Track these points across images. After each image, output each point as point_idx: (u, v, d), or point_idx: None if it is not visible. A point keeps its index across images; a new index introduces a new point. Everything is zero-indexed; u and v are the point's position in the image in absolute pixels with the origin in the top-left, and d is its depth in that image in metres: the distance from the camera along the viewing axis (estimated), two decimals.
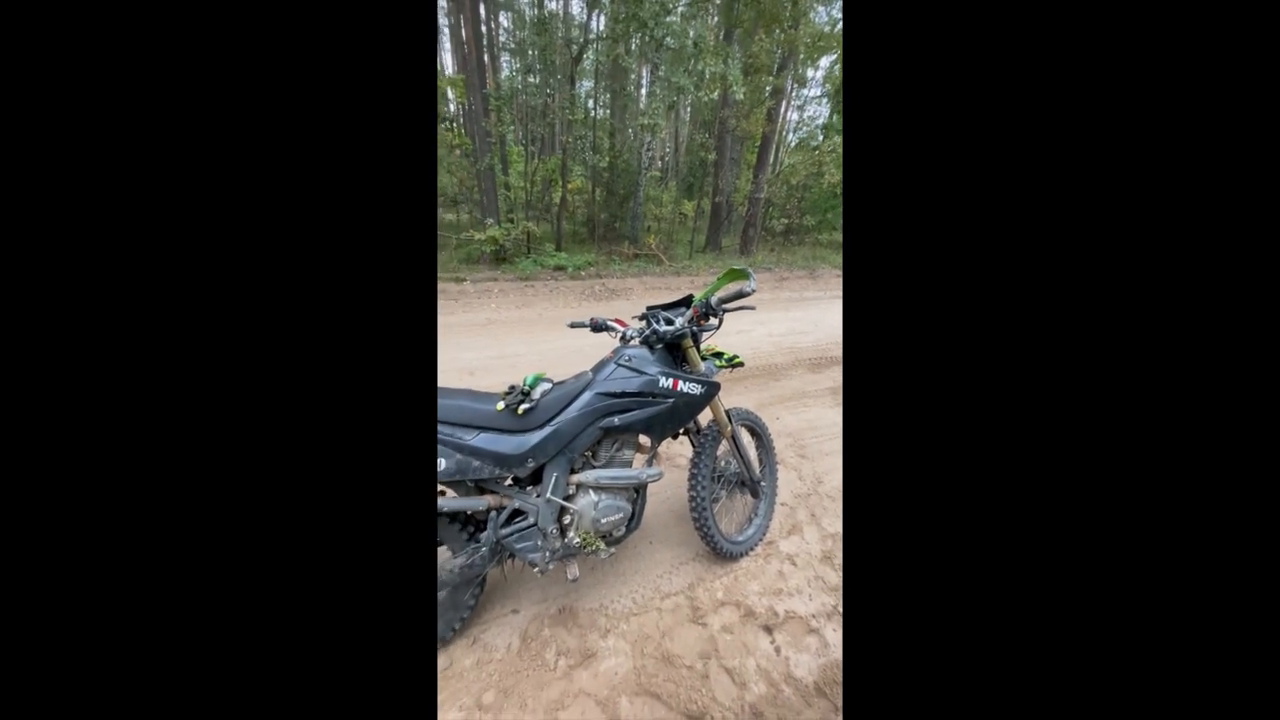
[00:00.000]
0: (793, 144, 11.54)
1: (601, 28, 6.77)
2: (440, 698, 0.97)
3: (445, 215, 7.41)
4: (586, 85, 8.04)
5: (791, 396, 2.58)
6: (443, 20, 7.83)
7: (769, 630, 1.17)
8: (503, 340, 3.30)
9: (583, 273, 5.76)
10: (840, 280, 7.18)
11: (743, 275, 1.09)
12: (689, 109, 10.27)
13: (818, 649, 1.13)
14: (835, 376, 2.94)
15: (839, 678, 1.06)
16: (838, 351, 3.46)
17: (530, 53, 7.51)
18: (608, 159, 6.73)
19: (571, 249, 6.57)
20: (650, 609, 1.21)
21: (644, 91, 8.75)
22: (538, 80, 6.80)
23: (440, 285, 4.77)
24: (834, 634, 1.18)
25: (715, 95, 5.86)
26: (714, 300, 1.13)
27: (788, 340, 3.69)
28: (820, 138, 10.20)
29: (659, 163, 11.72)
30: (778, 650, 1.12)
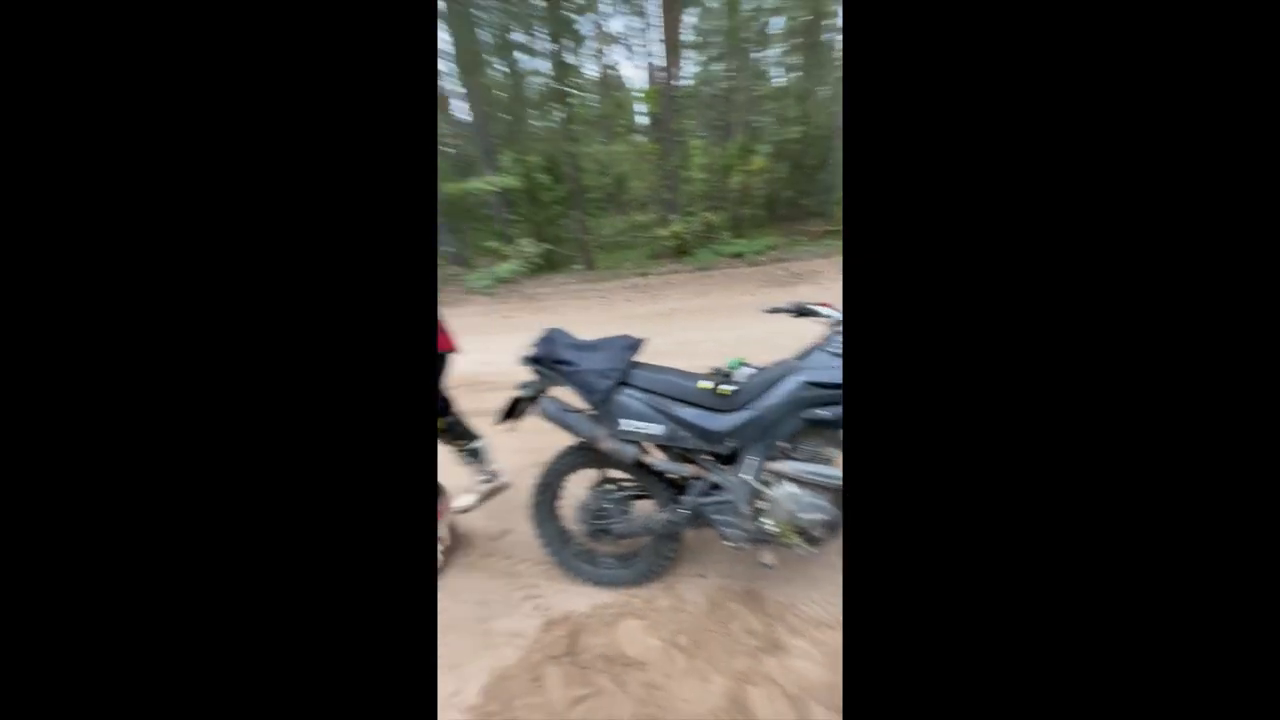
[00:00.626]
0: None
1: None
2: (643, 624, 1.16)
3: (636, 217, 8.42)
4: (775, 53, 7.41)
5: None
6: (635, 39, 8.72)
7: None
8: (684, 327, 3.54)
9: (761, 258, 5.48)
10: None
11: None
12: None
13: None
14: None
15: None
16: None
17: (715, 40, 7.48)
18: (797, 129, 6.07)
19: (750, 233, 6.34)
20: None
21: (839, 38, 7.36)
22: (723, 66, 6.73)
23: (631, 281, 5.49)
24: None
25: None
26: None
27: None
28: None
29: None
30: None
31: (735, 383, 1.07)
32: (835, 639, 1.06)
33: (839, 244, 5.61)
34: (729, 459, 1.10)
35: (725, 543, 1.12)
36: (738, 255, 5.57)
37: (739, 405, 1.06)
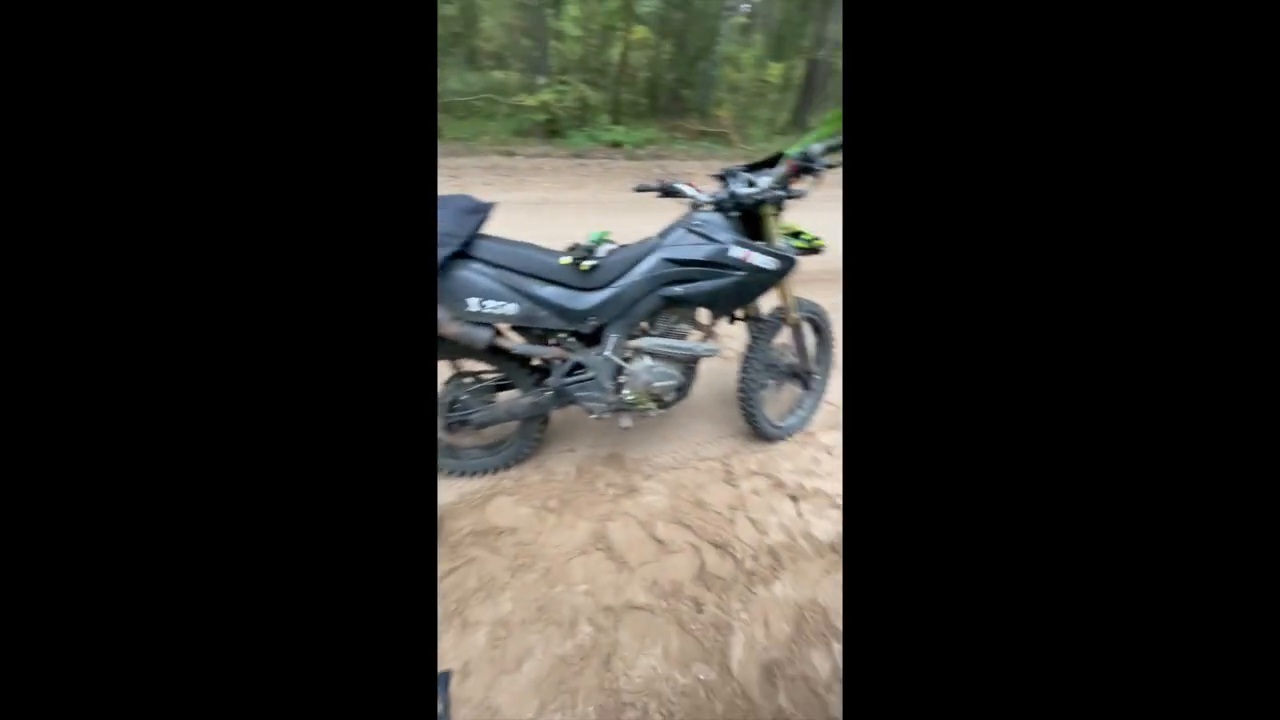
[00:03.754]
0: None
1: None
2: (514, 499, 1.21)
3: (493, 74, 6.61)
4: None
5: None
6: None
7: (795, 499, 1.29)
8: (558, 222, 3.20)
9: (640, 152, 5.14)
10: None
11: None
12: None
13: (838, 519, 1.24)
14: None
15: None
16: None
17: None
18: None
19: (630, 122, 5.77)
20: (688, 466, 1.35)
21: None
22: None
23: (490, 159, 4.53)
24: None
25: None
26: (816, 149, 0.94)
27: None
28: None
29: (745, 4, 9.12)
30: (800, 514, 1.25)
31: (597, 259, 1.01)
32: (677, 475, 1.32)
33: (713, 146, 5.66)
34: (591, 337, 1.11)
35: (590, 415, 1.19)
36: (617, 144, 5.08)
37: (602, 283, 1.03)
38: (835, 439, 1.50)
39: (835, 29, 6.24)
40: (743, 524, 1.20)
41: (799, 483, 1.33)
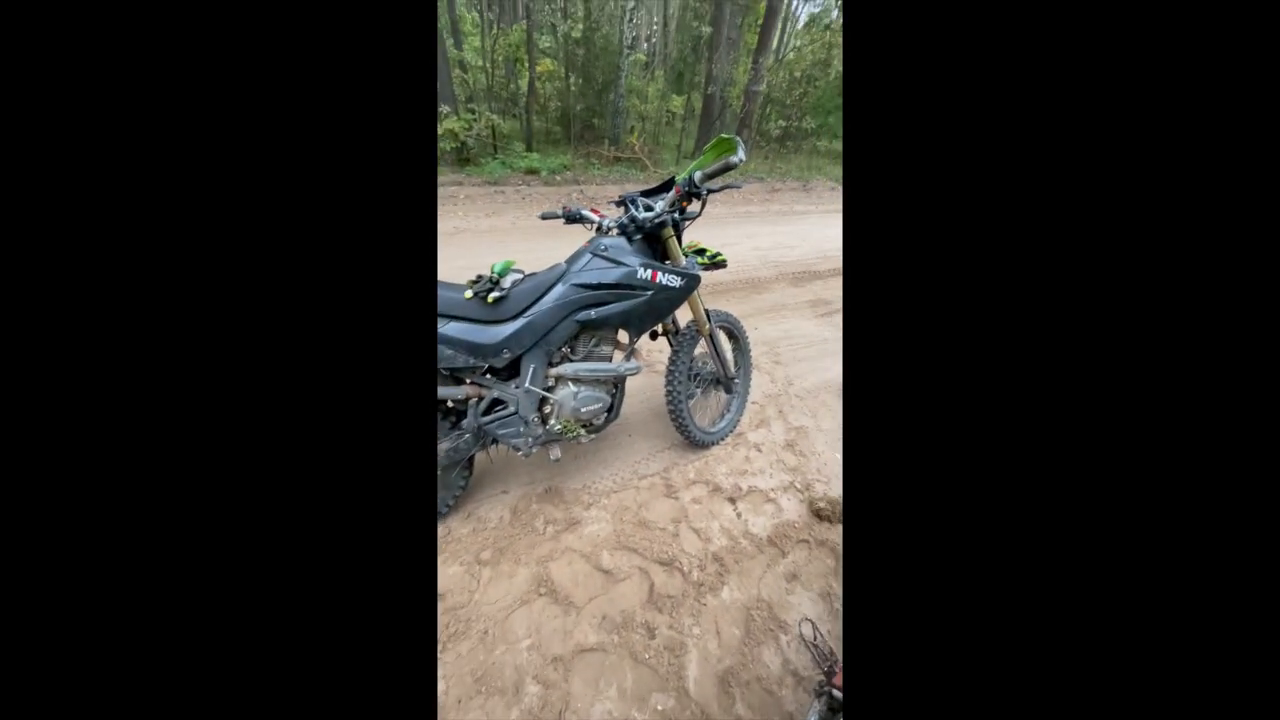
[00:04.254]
0: (801, 20, 9.83)
1: None
2: (441, 559, 1.09)
3: None
4: None
5: (771, 309, 2.60)
6: None
7: (733, 501, 1.33)
8: (474, 251, 3.08)
9: (557, 177, 5.20)
10: (835, 194, 6.79)
11: (729, 146, 0.98)
12: None
13: (772, 513, 1.31)
14: (815, 291, 2.95)
15: (788, 534, 1.25)
16: (821, 266, 3.42)
17: None
18: (581, 28, 5.59)
19: (545, 149, 5.83)
20: (629, 487, 1.34)
21: None
22: None
23: None
24: (787, 502, 1.35)
25: None
26: (698, 176, 1.03)
27: (773, 254, 3.59)
28: (835, 14, 8.61)
29: (644, 44, 9.89)
30: (739, 515, 1.29)
31: (504, 289, 0.99)
32: (619, 499, 1.30)
33: (628, 171, 5.93)
34: (507, 370, 1.06)
35: (517, 453, 1.13)
36: (532, 171, 5.08)
37: (512, 314, 1.00)
38: (762, 436, 1.60)
39: (724, 68, 7.02)
40: (687, 535, 1.21)
41: (735, 484, 1.39)
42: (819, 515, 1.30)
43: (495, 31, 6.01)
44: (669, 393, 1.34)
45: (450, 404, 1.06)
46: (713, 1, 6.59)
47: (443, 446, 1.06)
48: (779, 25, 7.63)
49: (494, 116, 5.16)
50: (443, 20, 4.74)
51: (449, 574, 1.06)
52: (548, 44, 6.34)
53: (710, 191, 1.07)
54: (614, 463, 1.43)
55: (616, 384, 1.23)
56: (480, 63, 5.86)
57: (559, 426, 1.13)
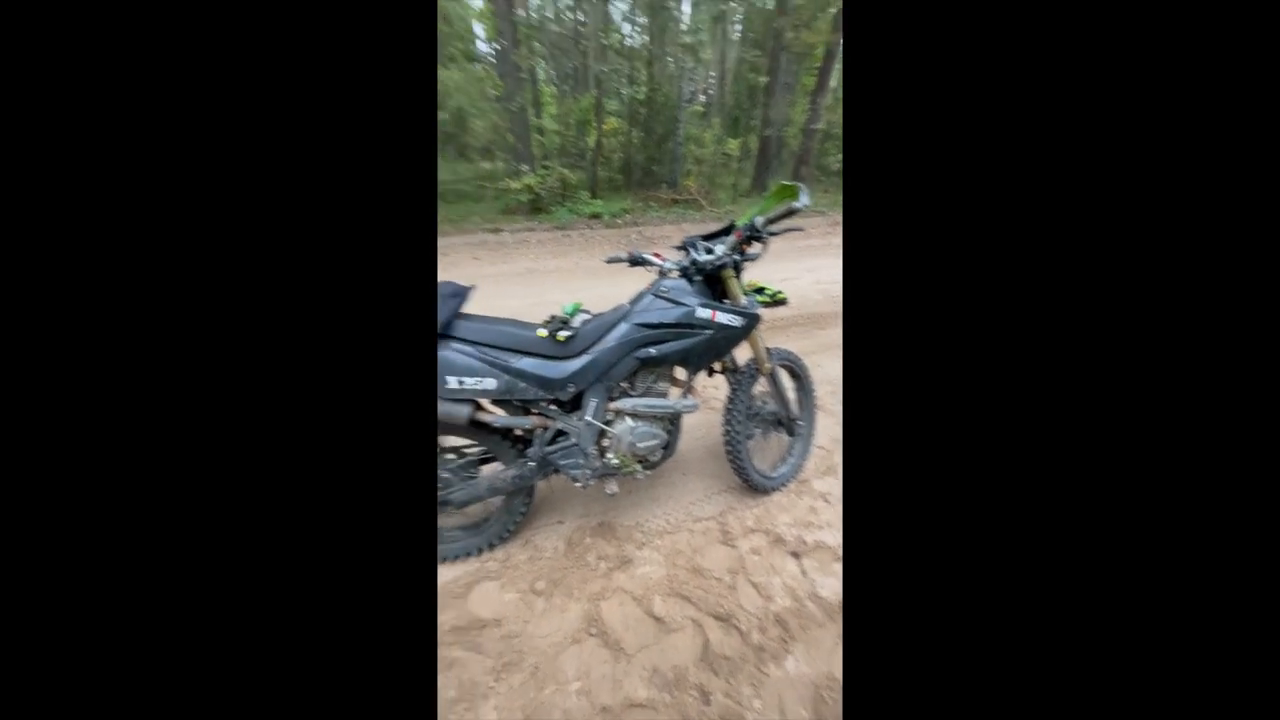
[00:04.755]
0: None
1: None
2: (500, 583, 1.13)
3: (482, 165, 7.35)
4: (623, 7, 7.20)
5: (835, 345, 2.46)
6: None
7: (797, 556, 1.22)
8: (542, 289, 3.37)
9: (618, 220, 5.58)
10: None
11: (792, 192, 1.00)
12: (740, 24, 8.95)
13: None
14: None
15: None
16: None
17: None
18: (644, 91, 6.17)
19: (607, 195, 6.34)
20: (683, 529, 1.30)
21: (687, 9, 7.71)
22: (569, 2, 6.18)
23: (480, 237, 4.86)
24: None
25: (771, 2, 5.03)
26: (759, 221, 1.05)
27: (835, 288, 3.43)
28: None
29: (701, 96, 10.59)
30: (804, 573, 1.18)
31: (573, 329, 1.07)
32: (672, 541, 1.26)
33: (685, 211, 6.19)
34: (571, 404, 1.12)
35: (575, 484, 1.16)
36: (596, 216, 5.53)
37: (578, 351, 1.07)
38: (830, 485, 1.47)
39: (780, 111, 7.22)
40: (745, 589, 1.13)
41: (799, 536, 1.28)
42: None
43: (569, 101, 6.88)
44: (726, 432, 1.30)
45: (519, 432, 1.14)
46: (769, 53, 6.94)
47: (509, 474, 1.13)
48: (836, 68, 7.74)
49: (564, 170, 5.78)
50: (526, 94, 5.57)
51: (505, 600, 1.09)
52: (615, 106, 7.08)
53: (772, 234, 1.08)
54: (667, 501, 1.40)
55: (673, 421, 1.23)
56: (555, 127, 6.69)
57: (616, 460, 1.15)
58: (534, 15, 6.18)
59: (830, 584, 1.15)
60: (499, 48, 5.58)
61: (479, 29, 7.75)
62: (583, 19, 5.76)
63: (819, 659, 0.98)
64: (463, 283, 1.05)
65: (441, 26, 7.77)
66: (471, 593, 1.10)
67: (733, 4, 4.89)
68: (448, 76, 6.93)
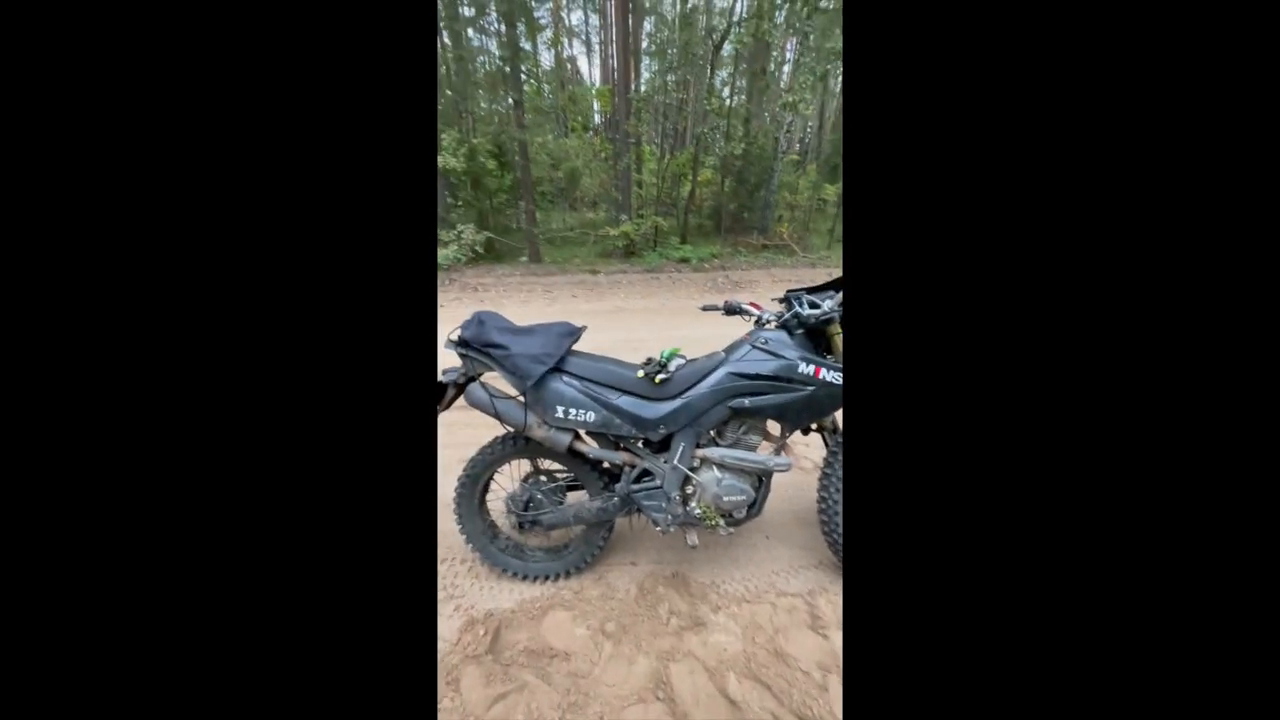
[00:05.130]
0: None
1: (745, 8, 6.50)
2: (572, 615, 1.15)
3: (587, 214, 8.34)
4: (723, 74, 7.87)
5: None
6: (595, 39, 8.67)
7: None
8: (630, 327, 3.58)
9: (706, 264, 5.75)
10: None
11: None
12: (840, 79, 9.02)
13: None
14: None
15: None
16: None
17: (670, 51, 7.72)
18: (741, 146, 6.48)
19: (696, 241, 6.62)
20: (764, 601, 1.18)
21: (787, 68, 8.06)
22: (676, 77, 6.95)
23: (579, 277, 5.42)
24: None
25: None
26: None
27: None
28: None
29: (798, 145, 10.69)
30: None
31: (669, 372, 1.11)
32: (751, 611, 1.14)
33: (775, 257, 6.11)
34: (661, 445, 1.14)
35: (655, 528, 1.15)
36: (684, 260, 5.77)
37: (672, 394, 1.11)
38: None
39: None
40: (837, 692, 0.96)
41: None
42: None
43: (668, 159, 7.58)
44: (822, 498, 1.18)
45: (608, 466, 1.19)
46: None
47: (594, 504, 1.17)
48: None
49: (657, 218, 6.25)
50: (631, 155, 6.31)
51: (576, 635, 1.10)
52: (712, 161, 7.56)
53: None
54: (748, 565, 1.29)
55: (762, 478, 1.17)
56: (653, 180, 7.37)
57: (699, 510, 1.12)
58: (644, 89, 7.10)
59: None
60: (612, 118, 6.46)
61: (597, 105, 9.11)
62: (686, 88, 6.42)
63: None
64: (576, 323, 1.19)
65: (569, 107, 9.34)
66: (546, 617, 1.14)
67: (836, 62, 4.97)
68: (568, 145, 8.21)
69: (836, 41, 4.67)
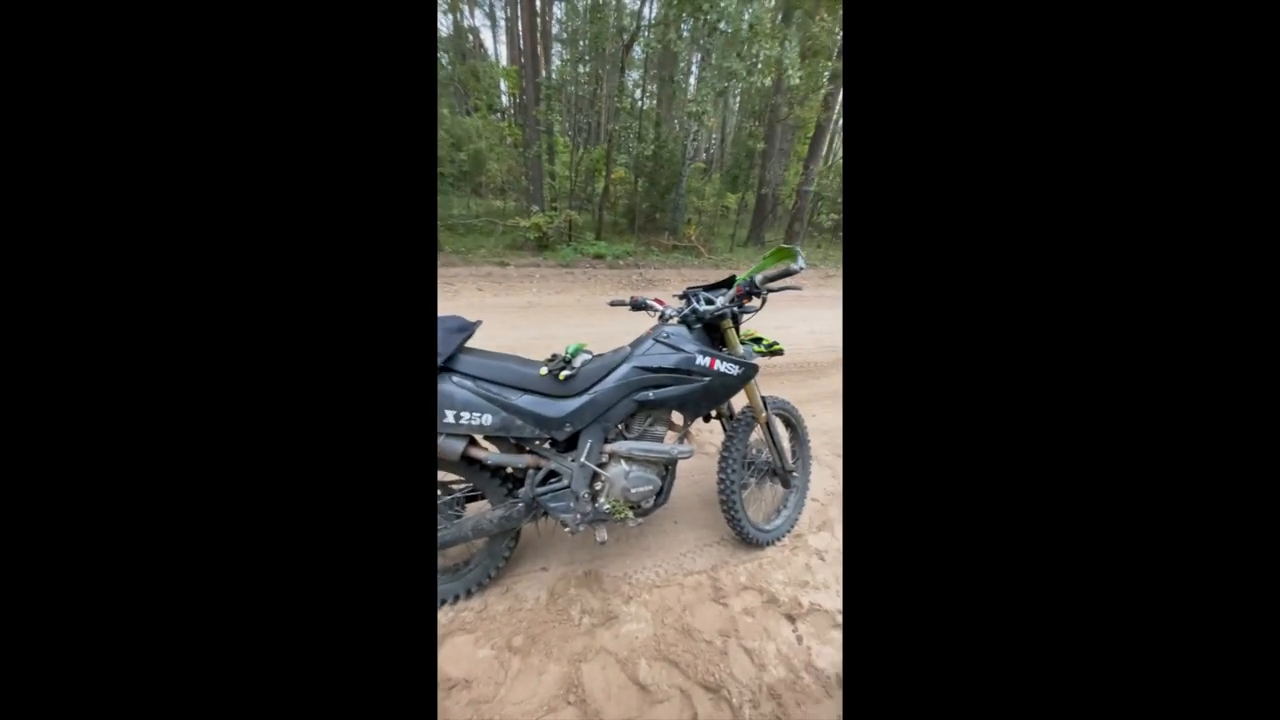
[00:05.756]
0: None
1: (654, 14, 6.70)
2: (473, 637, 1.05)
3: (494, 202, 7.74)
4: (635, 75, 8.02)
5: (830, 395, 2.49)
6: (500, 14, 8.06)
7: (791, 619, 1.16)
8: (543, 323, 3.42)
9: (620, 262, 5.81)
10: None
11: (790, 255, 1.06)
12: (739, 96, 9.94)
13: (841, 644, 1.10)
14: None
15: None
16: None
17: (581, 42, 7.58)
18: (652, 148, 6.69)
19: (611, 238, 6.64)
20: (673, 583, 1.23)
21: (693, 79, 8.57)
22: (588, 69, 6.85)
23: (485, 268, 5.00)
24: None
25: (768, 81, 5.64)
26: (758, 279, 1.11)
27: (829, 339, 3.53)
28: None
29: (704, 154, 11.49)
30: (800, 639, 1.11)
31: (574, 369, 1.08)
32: (661, 596, 1.19)
33: (684, 257, 6.48)
34: (567, 444, 1.11)
35: (564, 529, 1.12)
36: (599, 256, 5.75)
37: (578, 390, 1.08)
38: (826, 542, 1.43)
39: (775, 172, 7.83)
40: (737, 656, 1.06)
41: (794, 597, 1.22)
42: None
43: (581, 152, 7.44)
44: (721, 480, 1.28)
45: (510, 471, 1.12)
46: (765, 124, 7.64)
47: (496, 514, 1.09)
48: (828, 137, 8.51)
49: (572, 212, 6.10)
50: (542, 143, 6.03)
51: (479, 657, 1.01)
52: (623, 159, 7.65)
53: (770, 291, 1.14)
54: (658, 552, 1.34)
55: (668, 467, 1.22)
56: (566, 173, 7.16)
57: (608, 506, 1.12)
58: (555, 77, 6.83)
59: (827, 653, 1.08)
60: (520, 102, 6.09)
61: (503, 85, 8.48)
62: (599, 82, 6.37)
63: None
64: (469, 318, 1.08)
65: (470, 82, 8.50)
66: (443, 647, 1.02)
67: (734, 81, 5.45)
68: (470, 124, 7.48)
69: (734, 63, 5.10)
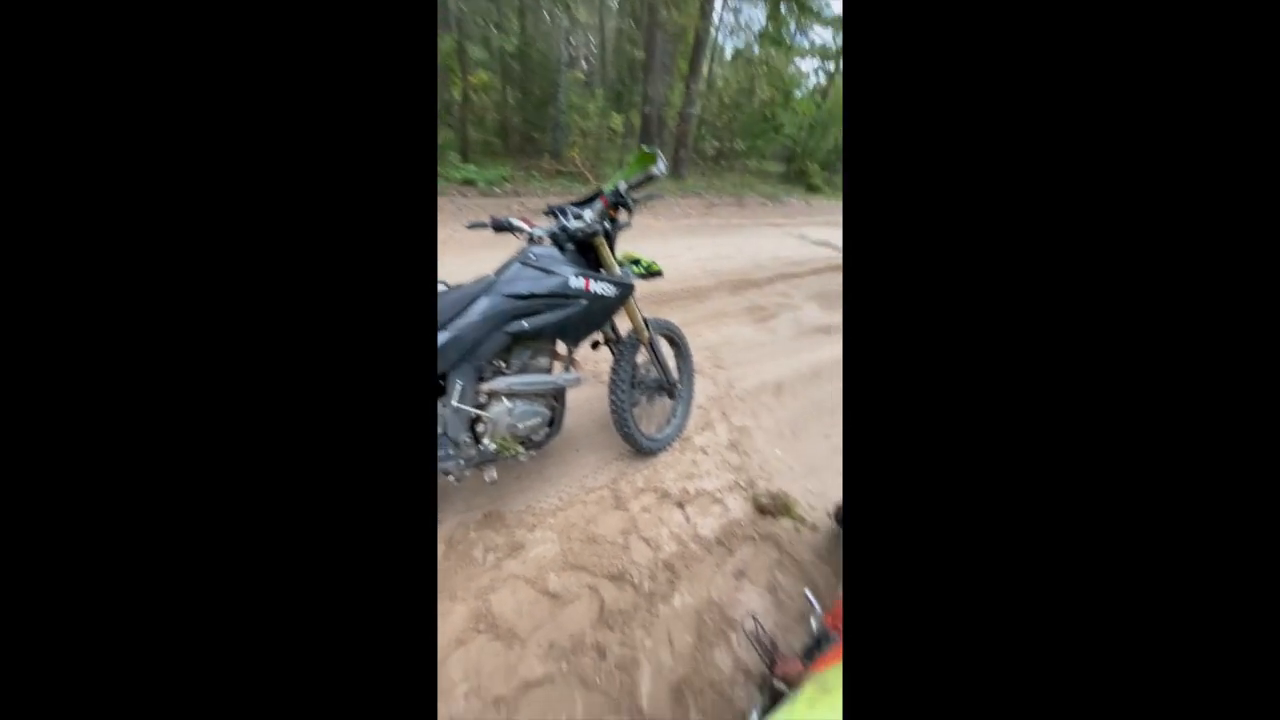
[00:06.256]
0: (729, 53, 10.65)
1: None
2: None
3: None
4: None
5: (712, 316, 2.72)
6: None
7: (681, 506, 1.34)
8: None
9: (496, 190, 5.05)
10: (767, 209, 7.35)
11: (650, 159, 1.02)
12: None
13: (720, 513, 1.33)
14: (752, 298, 3.14)
15: (735, 531, 1.28)
16: (757, 275, 3.66)
17: None
18: (515, 41, 5.56)
19: (482, 161, 5.66)
20: (576, 503, 1.30)
21: None
22: None
23: None
24: (733, 501, 1.39)
25: None
26: (623, 187, 1.05)
27: (712, 265, 3.77)
28: (756, 49, 9.47)
29: (583, 63, 10.11)
30: (688, 519, 1.30)
31: None
32: (566, 516, 1.25)
33: (570, 184, 5.95)
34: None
35: (446, 478, 1.04)
36: (469, 182, 4.89)
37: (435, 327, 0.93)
38: (708, 439, 1.64)
39: (659, 90, 7.37)
40: (637, 546, 1.19)
41: (683, 488, 1.40)
42: (762, 510, 1.36)
43: None
44: (613, 402, 1.32)
45: None
46: (644, 29, 6.93)
47: None
48: (707, 55, 8.21)
49: None
50: None
51: None
52: (481, 56, 6.24)
53: (636, 201, 1.10)
54: (560, 479, 1.38)
55: (557, 397, 1.19)
56: None
57: (494, 446, 1.07)
58: None
59: (709, 523, 1.30)
60: None
61: None
62: None
63: (699, 589, 1.11)
64: None
65: None
66: None
67: None
68: None
69: None
